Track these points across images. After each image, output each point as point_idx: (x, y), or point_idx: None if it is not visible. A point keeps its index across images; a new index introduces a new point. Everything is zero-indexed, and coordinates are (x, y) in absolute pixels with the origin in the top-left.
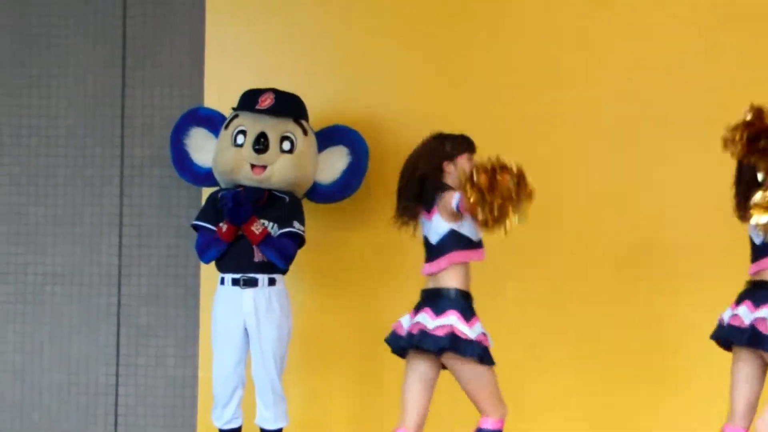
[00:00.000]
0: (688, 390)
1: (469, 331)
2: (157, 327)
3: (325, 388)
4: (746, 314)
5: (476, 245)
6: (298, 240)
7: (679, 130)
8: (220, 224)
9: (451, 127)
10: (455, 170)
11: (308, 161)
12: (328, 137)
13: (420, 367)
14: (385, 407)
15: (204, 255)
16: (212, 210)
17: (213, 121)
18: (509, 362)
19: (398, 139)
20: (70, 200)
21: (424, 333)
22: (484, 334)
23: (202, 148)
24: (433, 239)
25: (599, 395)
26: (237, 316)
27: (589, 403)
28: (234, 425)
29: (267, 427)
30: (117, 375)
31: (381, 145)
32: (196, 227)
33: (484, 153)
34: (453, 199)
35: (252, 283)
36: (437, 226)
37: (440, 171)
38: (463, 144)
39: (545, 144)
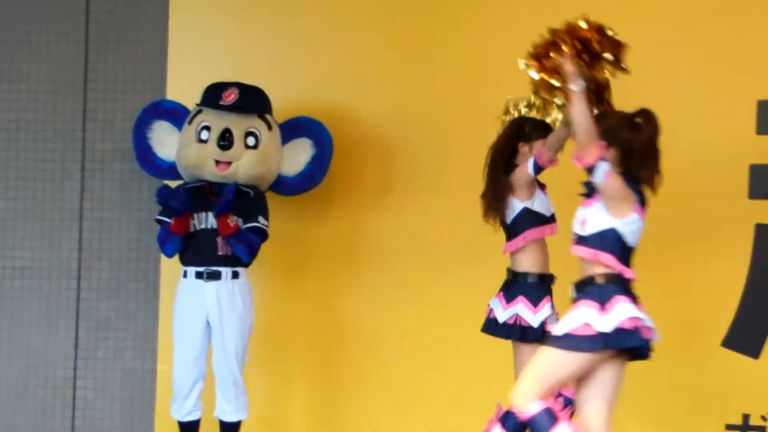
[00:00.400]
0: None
1: (533, 318)
2: (117, 320)
3: (286, 381)
4: None
5: (549, 220)
6: (263, 235)
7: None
8: (170, 220)
9: (417, 117)
10: (529, 152)
11: (273, 155)
12: (292, 129)
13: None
14: (346, 400)
15: (163, 248)
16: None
17: (176, 114)
18: None
19: (362, 130)
20: (31, 194)
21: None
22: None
23: (166, 141)
24: (509, 218)
25: None
26: (200, 309)
27: None
28: (193, 417)
29: (227, 419)
30: (75, 368)
31: (345, 136)
32: (159, 222)
33: (454, 145)
34: (528, 163)
35: (215, 276)
36: (512, 205)
37: (516, 152)
38: (541, 128)
39: None
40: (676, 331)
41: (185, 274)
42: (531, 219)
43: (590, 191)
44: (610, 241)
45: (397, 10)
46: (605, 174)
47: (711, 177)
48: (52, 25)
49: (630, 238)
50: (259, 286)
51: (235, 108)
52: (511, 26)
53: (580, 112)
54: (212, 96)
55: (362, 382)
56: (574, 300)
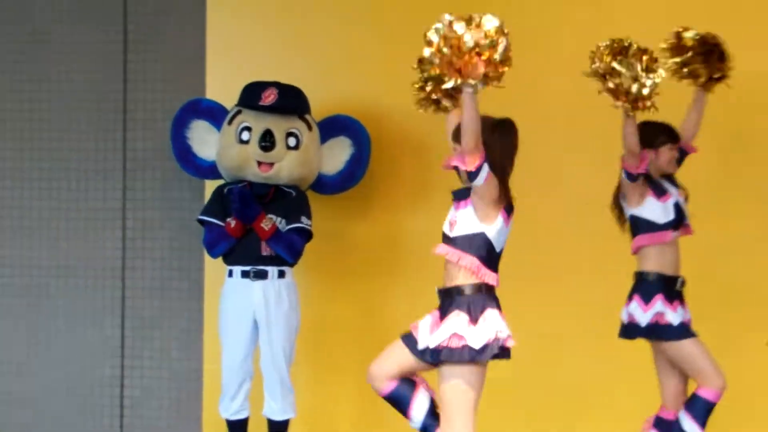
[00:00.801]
0: None
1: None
2: (162, 319)
3: (333, 379)
4: None
5: (661, 227)
6: (306, 235)
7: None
8: (229, 220)
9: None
10: (655, 158)
11: (313, 155)
12: (330, 127)
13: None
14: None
15: (213, 250)
16: (218, 205)
17: (214, 114)
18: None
19: (401, 127)
20: (74, 194)
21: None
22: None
23: (205, 141)
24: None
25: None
26: (247, 308)
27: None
28: (241, 416)
29: (275, 418)
30: (122, 368)
31: (383, 134)
32: (202, 222)
33: None
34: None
35: (262, 275)
36: (625, 212)
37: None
38: (665, 134)
39: (550, 132)
40: None
41: (230, 274)
42: (639, 226)
43: (461, 195)
44: (478, 246)
45: (434, 9)
46: (486, 177)
47: None
48: (91, 26)
49: (497, 244)
50: (303, 284)
51: (275, 109)
52: (550, 32)
53: (472, 115)
54: (251, 96)
55: None
56: (443, 308)
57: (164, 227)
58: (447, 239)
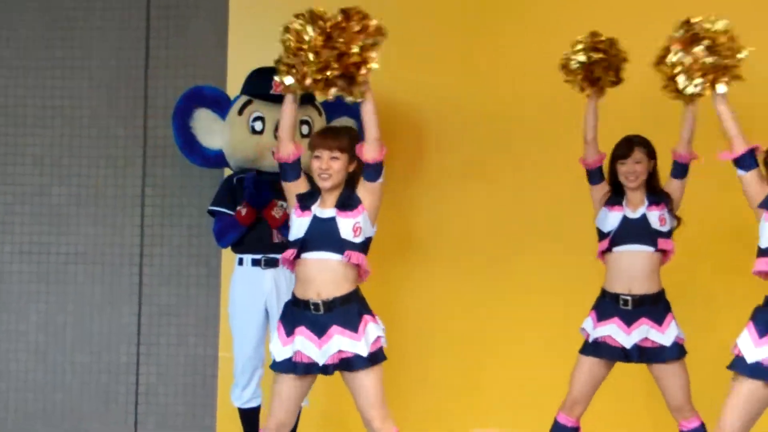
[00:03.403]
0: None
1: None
2: (179, 306)
3: None
4: None
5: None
6: None
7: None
8: (239, 208)
9: (465, 104)
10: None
11: None
12: (334, 108)
13: None
14: (404, 386)
15: (222, 239)
16: (228, 194)
17: (219, 102)
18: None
19: (407, 110)
20: (93, 181)
21: None
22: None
23: (211, 130)
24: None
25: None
26: (257, 296)
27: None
28: (253, 404)
29: None
30: (138, 354)
31: (390, 117)
32: (212, 213)
33: (499, 133)
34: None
35: (272, 263)
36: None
37: None
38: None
39: (571, 124)
40: None
41: (240, 262)
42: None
43: (352, 202)
44: (368, 249)
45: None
46: (383, 175)
47: None
48: (113, 12)
49: None
50: None
51: None
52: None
53: (370, 110)
54: (260, 84)
55: (419, 373)
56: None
57: (183, 214)
58: (354, 246)
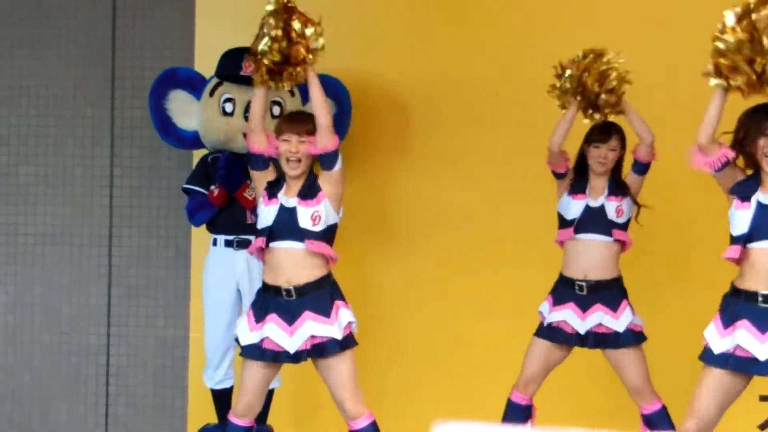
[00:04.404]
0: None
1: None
2: (148, 288)
3: None
4: None
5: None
6: None
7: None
8: (212, 188)
9: (442, 82)
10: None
11: None
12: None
13: None
14: (378, 368)
15: (194, 218)
16: (203, 173)
17: (193, 83)
18: None
19: (382, 92)
20: (61, 161)
21: None
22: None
23: (186, 112)
24: None
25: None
26: (230, 277)
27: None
28: (225, 385)
29: None
30: (108, 335)
31: (366, 95)
32: (186, 191)
33: (481, 110)
34: None
35: (245, 244)
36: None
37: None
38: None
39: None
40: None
41: (215, 242)
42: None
43: (313, 191)
44: (332, 236)
45: None
46: (339, 162)
47: None
48: None
49: None
50: None
51: None
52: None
53: (319, 96)
54: (231, 65)
55: (393, 355)
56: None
57: (152, 195)
58: (312, 234)
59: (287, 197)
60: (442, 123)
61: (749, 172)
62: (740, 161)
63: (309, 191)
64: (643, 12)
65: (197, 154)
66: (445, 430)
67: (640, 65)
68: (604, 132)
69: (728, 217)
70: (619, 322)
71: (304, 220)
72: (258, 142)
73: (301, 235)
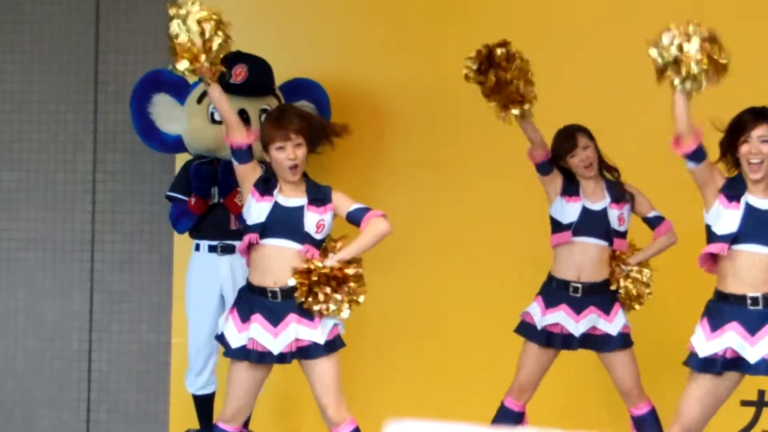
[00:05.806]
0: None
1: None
2: (131, 293)
3: None
4: None
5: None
6: None
7: None
8: (190, 197)
9: (424, 89)
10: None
11: None
12: (291, 91)
13: None
14: (362, 373)
15: (177, 225)
16: (185, 180)
17: (177, 87)
18: None
19: (360, 91)
20: (44, 166)
21: None
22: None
23: (170, 117)
24: None
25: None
26: (213, 282)
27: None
28: (208, 391)
29: None
30: (90, 341)
31: (346, 100)
32: (169, 198)
33: (459, 116)
34: None
35: (229, 249)
36: None
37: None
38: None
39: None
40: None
41: (197, 248)
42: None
43: (324, 198)
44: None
45: None
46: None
47: None
48: None
49: None
50: None
51: (247, 87)
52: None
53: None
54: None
55: (376, 360)
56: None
57: (134, 201)
58: (308, 239)
59: (285, 197)
60: (424, 129)
61: (733, 173)
62: (721, 166)
63: (320, 197)
64: (625, 13)
65: (180, 159)
66: (396, 429)
67: (638, 69)
68: (569, 138)
69: (706, 217)
70: (613, 324)
71: (309, 225)
72: (239, 137)
73: (302, 237)
